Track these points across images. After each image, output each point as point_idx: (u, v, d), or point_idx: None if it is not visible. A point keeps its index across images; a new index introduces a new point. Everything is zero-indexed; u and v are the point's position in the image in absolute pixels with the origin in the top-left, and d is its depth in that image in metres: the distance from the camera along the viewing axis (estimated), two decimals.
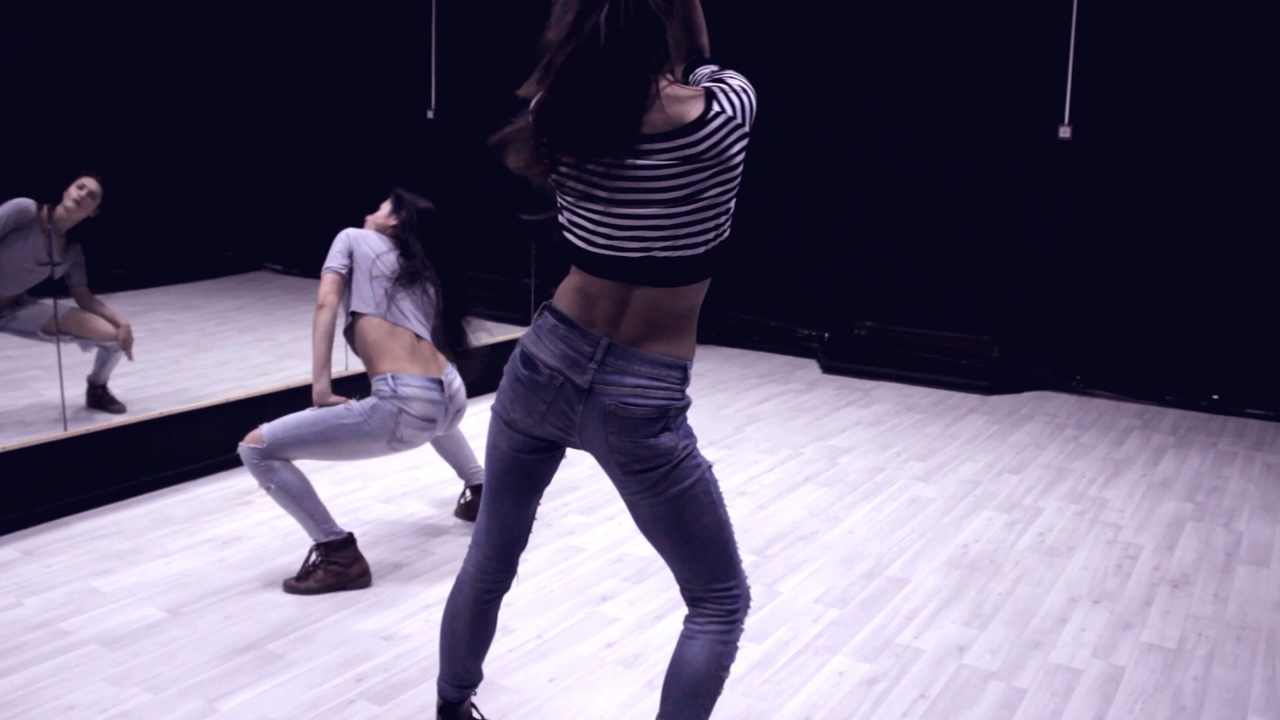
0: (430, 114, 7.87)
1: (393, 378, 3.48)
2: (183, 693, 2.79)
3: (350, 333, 3.65)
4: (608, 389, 2.04)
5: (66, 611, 3.21)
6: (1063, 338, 6.24)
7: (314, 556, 3.42)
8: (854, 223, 6.82)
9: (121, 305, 5.50)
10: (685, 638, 2.20)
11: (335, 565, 3.40)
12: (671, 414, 2.06)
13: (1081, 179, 6.06)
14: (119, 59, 7.42)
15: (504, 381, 2.19)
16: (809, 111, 6.88)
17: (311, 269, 7.02)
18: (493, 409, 2.24)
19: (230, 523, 3.95)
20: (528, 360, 2.12)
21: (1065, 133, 6.05)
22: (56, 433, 3.99)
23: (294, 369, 5.13)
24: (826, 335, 6.97)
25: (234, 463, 4.52)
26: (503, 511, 2.26)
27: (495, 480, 2.25)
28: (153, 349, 4.92)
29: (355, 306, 3.61)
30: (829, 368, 6.66)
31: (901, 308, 6.69)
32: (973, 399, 6.07)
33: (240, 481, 4.36)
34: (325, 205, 8.32)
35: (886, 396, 6.07)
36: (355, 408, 3.43)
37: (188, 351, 5.30)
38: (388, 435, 3.45)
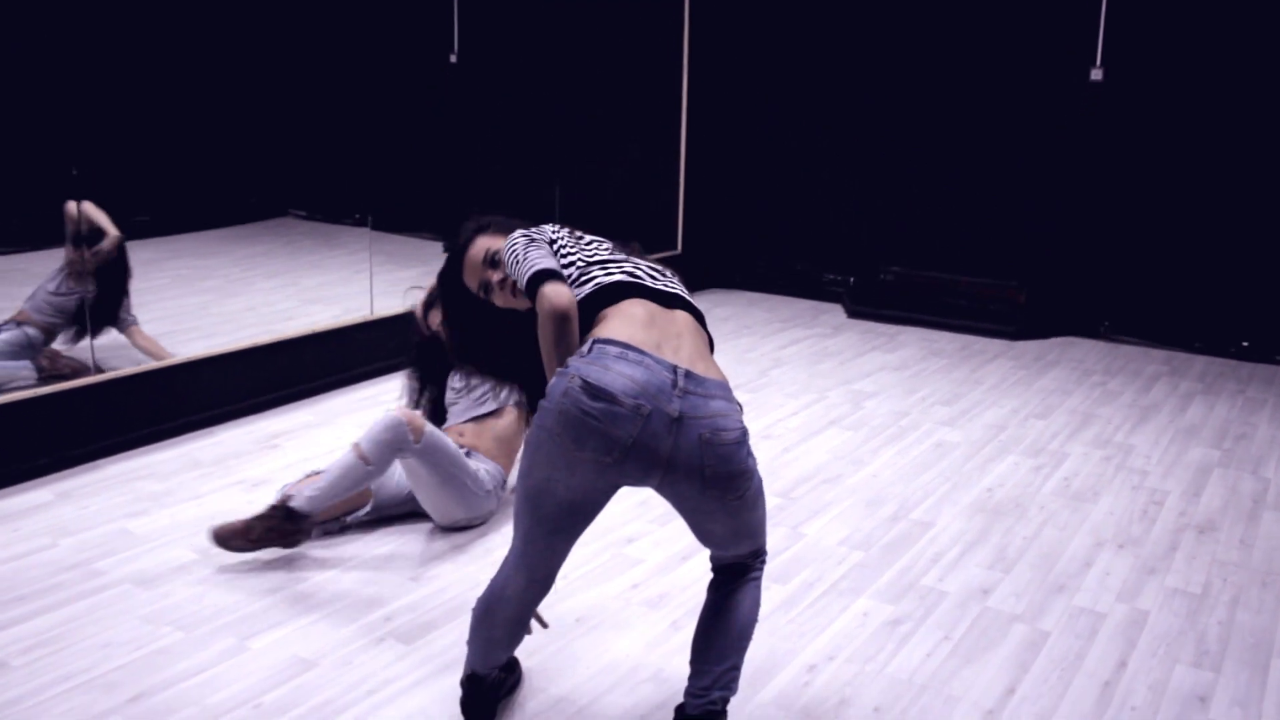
0: (453, 58, 7.82)
1: (505, 483, 3.59)
2: (214, 631, 2.83)
3: (484, 420, 3.61)
4: (699, 419, 2.02)
5: (101, 552, 3.26)
6: (1090, 283, 6.19)
7: (275, 507, 3.18)
8: (880, 166, 6.76)
9: (146, 252, 5.52)
10: (726, 591, 2.29)
11: (285, 528, 3.16)
12: (747, 436, 2.12)
13: (1112, 122, 5.97)
14: (138, 7, 7.38)
15: (554, 424, 2.03)
16: (834, 54, 6.79)
17: (335, 215, 7.02)
18: (541, 456, 2.08)
19: (259, 465, 3.99)
20: (597, 391, 1.99)
21: (1097, 75, 5.95)
22: (87, 378, 4.03)
23: (319, 314, 5.15)
24: (852, 280, 6.93)
25: (262, 406, 4.56)
26: (554, 550, 2.19)
27: (548, 524, 2.14)
28: (180, 295, 4.93)
29: (508, 401, 3.61)
30: (854, 312, 6.63)
31: (928, 252, 6.65)
32: (999, 344, 6.04)
33: (269, 425, 4.40)
34: (348, 152, 8.30)
35: (912, 341, 6.05)
36: (483, 482, 3.44)
37: (214, 297, 5.32)
38: (464, 518, 3.44)
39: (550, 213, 6.27)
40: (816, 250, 7.11)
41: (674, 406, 2.01)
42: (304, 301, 5.59)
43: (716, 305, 6.81)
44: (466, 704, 2.40)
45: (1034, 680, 2.70)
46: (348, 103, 8.32)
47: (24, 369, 4.18)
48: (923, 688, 2.65)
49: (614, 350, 2.04)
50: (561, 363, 2.13)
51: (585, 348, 2.07)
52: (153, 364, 4.26)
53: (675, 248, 7.08)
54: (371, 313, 5.15)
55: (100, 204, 4.70)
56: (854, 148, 6.85)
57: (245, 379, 4.52)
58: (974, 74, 6.33)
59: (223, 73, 8.15)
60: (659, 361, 2.04)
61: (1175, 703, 2.61)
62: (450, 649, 2.76)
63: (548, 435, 2.05)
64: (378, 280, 5.34)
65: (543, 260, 2.21)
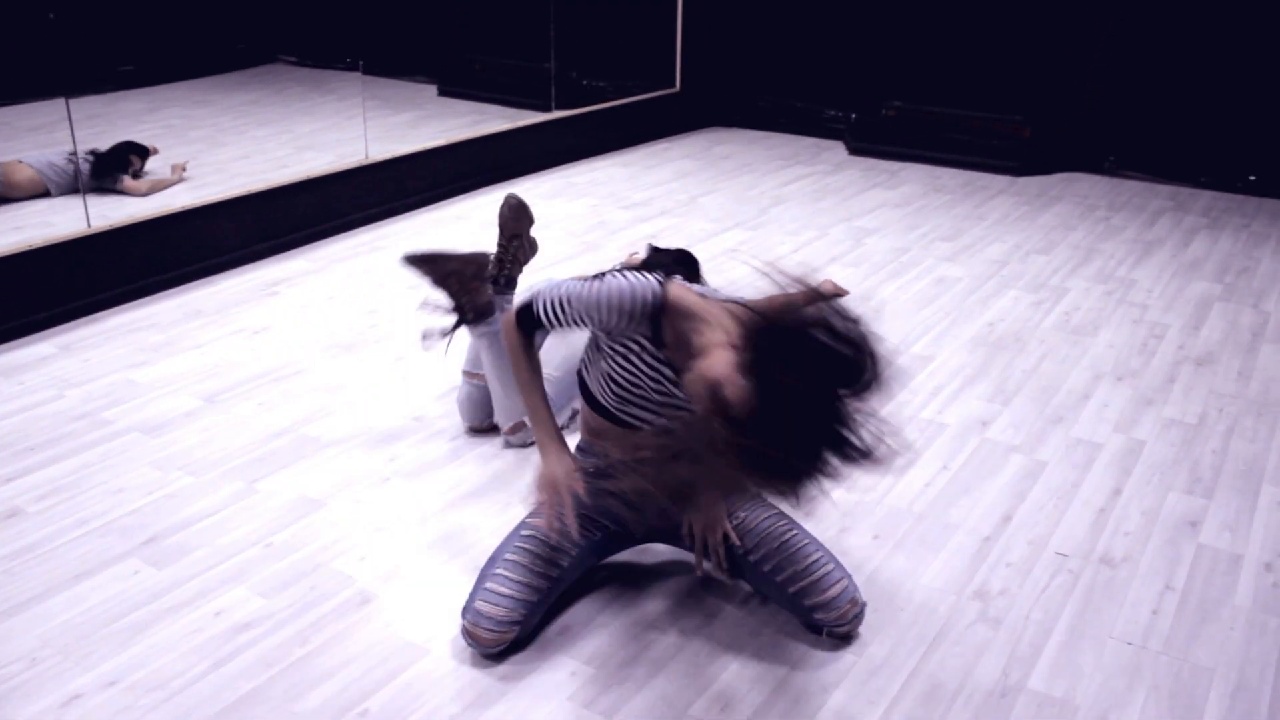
0: None
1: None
2: (223, 475, 2.88)
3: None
4: None
5: (107, 402, 3.29)
6: (1095, 118, 6.08)
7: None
8: None
9: (133, 103, 5.41)
10: None
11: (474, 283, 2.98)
12: None
13: None
14: None
15: None
16: None
17: (326, 60, 6.85)
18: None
19: (259, 313, 3.99)
20: None
21: None
22: (81, 229, 4.00)
23: (313, 160, 5.07)
24: (853, 116, 6.81)
25: (260, 254, 4.54)
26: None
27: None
28: (170, 145, 4.85)
29: None
30: (856, 149, 6.54)
31: (930, 87, 6.50)
32: (1002, 180, 5.97)
33: (267, 273, 4.38)
34: None
35: (914, 178, 5.98)
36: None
37: (205, 147, 5.23)
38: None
39: (545, 52, 6.11)
40: (817, 86, 6.96)
41: None
42: (298, 149, 5.50)
43: (716, 144, 6.71)
44: None
45: (1030, 508, 2.75)
46: None
47: None
48: (921, 516, 2.70)
49: None
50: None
51: None
52: (148, 214, 4.22)
53: (674, 85, 6.94)
54: (366, 157, 5.08)
55: (82, 53, 4.60)
56: None
57: (241, 227, 4.49)
58: None
59: None
60: None
61: (1167, 527, 2.67)
62: (458, 485, 2.81)
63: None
64: (371, 125, 5.25)
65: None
